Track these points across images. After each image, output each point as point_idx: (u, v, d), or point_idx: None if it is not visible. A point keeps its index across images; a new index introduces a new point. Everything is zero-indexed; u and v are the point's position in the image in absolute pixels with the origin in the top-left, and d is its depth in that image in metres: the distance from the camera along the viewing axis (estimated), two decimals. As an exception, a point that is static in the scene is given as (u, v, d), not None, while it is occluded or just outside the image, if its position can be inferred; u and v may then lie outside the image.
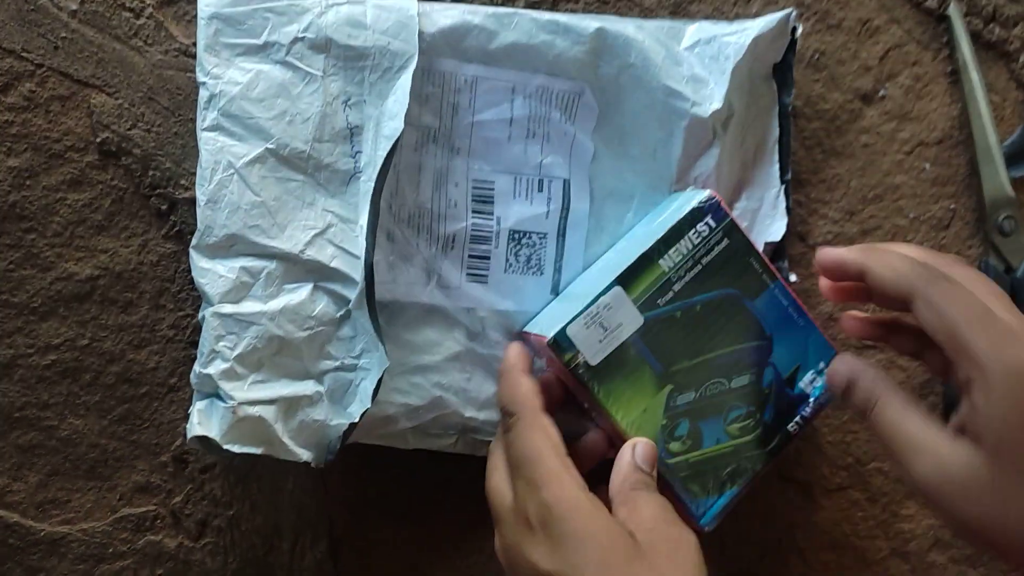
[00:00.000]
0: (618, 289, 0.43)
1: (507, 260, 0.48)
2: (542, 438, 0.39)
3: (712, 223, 0.44)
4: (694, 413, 0.44)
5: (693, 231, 0.44)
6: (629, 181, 0.50)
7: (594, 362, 0.42)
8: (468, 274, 0.48)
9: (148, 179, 0.47)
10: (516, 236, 0.48)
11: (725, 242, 0.44)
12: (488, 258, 0.48)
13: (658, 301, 0.43)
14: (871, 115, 0.55)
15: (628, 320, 0.43)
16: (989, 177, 0.56)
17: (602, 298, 0.42)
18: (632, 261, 0.43)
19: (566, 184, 0.49)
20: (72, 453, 0.47)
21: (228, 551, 0.48)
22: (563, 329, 0.41)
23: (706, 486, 0.44)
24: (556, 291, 0.49)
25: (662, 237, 0.44)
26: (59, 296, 0.46)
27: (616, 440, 0.44)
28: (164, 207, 0.47)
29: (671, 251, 0.44)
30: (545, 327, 0.43)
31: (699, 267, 0.44)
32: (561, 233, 0.49)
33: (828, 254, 0.42)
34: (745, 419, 0.45)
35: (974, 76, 0.55)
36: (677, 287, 0.44)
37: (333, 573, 0.50)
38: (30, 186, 0.46)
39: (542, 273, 0.49)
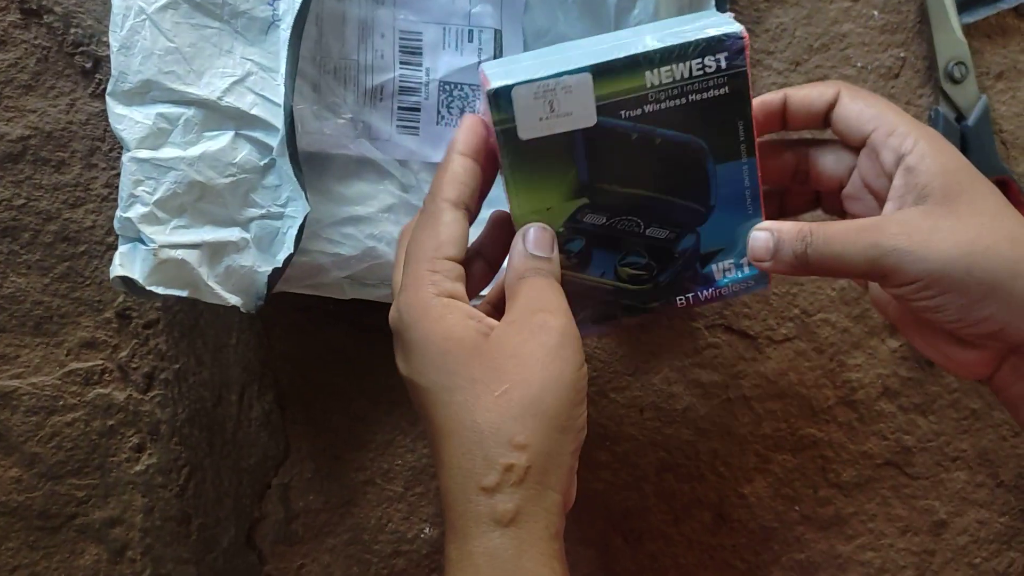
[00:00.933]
0: (587, 76, 0.37)
1: (439, 112, 0.48)
2: (429, 236, 0.36)
3: (723, 63, 0.38)
4: (594, 238, 0.40)
5: (699, 61, 0.37)
6: (564, 30, 0.49)
7: (523, 136, 0.37)
8: (398, 126, 0.48)
9: (71, 37, 0.47)
10: (447, 87, 0.48)
11: (724, 90, 0.38)
12: (418, 110, 0.48)
13: (621, 112, 0.38)
14: (817, -40, 0.54)
15: (581, 114, 0.37)
16: (940, 24, 0.54)
17: (566, 77, 0.37)
18: (617, 58, 0.37)
19: (497, 34, 0.49)
20: (17, 310, 0.48)
21: (177, 402, 0.50)
22: (509, 86, 0.36)
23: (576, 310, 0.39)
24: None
25: (662, 49, 0.37)
26: (-8, 157, 0.47)
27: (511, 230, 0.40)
28: (88, 65, 0.47)
29: (663, 69, 0.37)
30: (497, 73, 0.37)
31: (682, 101, 0.38)
32: (496, 86, 0.49)
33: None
34: (640, 269, 0.41)
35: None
36: (648, 109, 0.38)
37: (280, 423, 0.52)
38: (-45, 47, 0.46)
39: (478, 127, 0.49)
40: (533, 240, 0.38)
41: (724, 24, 0.38)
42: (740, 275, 0.41)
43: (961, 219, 0.36)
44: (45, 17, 0.47)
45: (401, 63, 0.47)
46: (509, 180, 0.38)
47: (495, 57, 0.49)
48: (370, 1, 0.47)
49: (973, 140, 0.55)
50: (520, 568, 0.32)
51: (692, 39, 0.37)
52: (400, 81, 0.47)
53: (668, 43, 0.37)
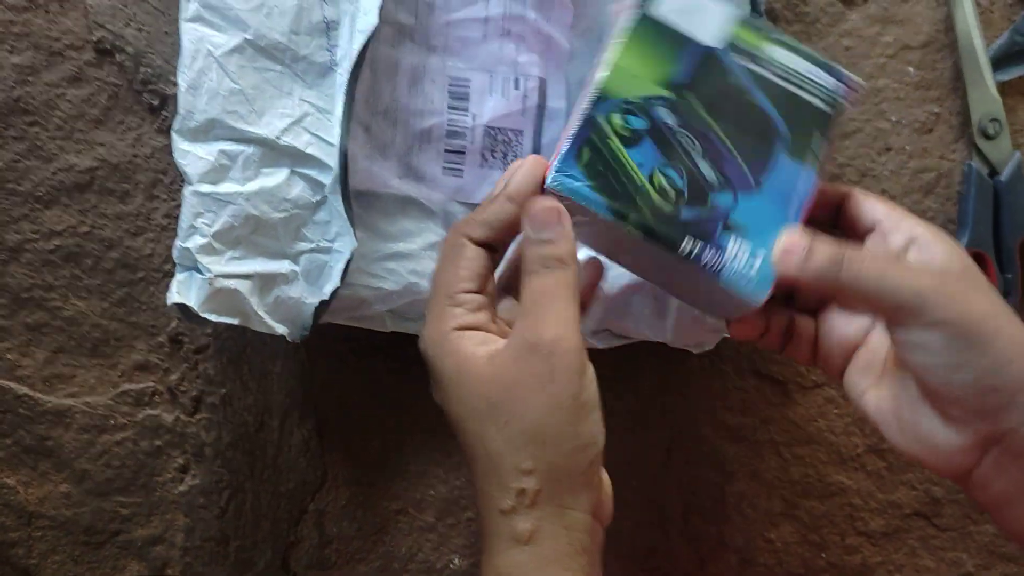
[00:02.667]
0: (734, 11, 0.41)
1: (483, 156, 0.50)
2: (449, 270, 0.37)
3: (836, 88, 0.41)
4: (655, 130, 0.39)
5: (819, 71, 0.41)
6: (607, 82, 0.51)
7: (659, 10, 0.40)
8: (444, 167, 0.50)
9: (140, 75, 0.50)
10: (492, 132, 0.50)
11: (823, 106, 0.41)
12: (463, 153, 0.50)
13: (738, 57, 0.40)
14: (853, 18, 0.55)
15: (711, 32, 0.41)
16: (974, 81, 0.56)
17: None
18: (762, 21, 0.42)
19: (542, 82, 0.51)
20: (76, 332, 0.50)
21: (221, 426, 0.52)
22: None
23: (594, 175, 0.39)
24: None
25: (797, 45, 0.41)
26: (61, 186, 0.50)
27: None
28: (156, 103, 0.50)
29: (789, 54, 0.41)
30: None
31: (789, 87, 0.41)
32: (538, 131, 0.51)
33: None
34: (669, 188, 0.39)
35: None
36: (758, 69, 0.40)
37: (319, 450, 0.53)
38: (32, 82, 0.49)
39: (520, 170, 0.51)
40: (537, 219, 0.36)
41: (849, 77, 0.41)
42: (746, 270, 0.39)
43: (981, 290, 0.37)
44: (117, 56, 0.50)
45: (449, 108, 0.49)
46: (628, 33, 0.40)
47: (539, 105, 0.51)
48: (422, 49, 0.49)
49: (1006, 196, 0.56)
50: None
51: (825, 59, 0.41)
52: (448, 125, 0.49)
53: (803, 47, 0.41)
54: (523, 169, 0.38)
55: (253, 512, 0.53)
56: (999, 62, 0.56)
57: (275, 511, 0.53)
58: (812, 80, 0.41)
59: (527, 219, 0.36)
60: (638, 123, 0.39)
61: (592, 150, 0.38)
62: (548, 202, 0.36)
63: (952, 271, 0.37)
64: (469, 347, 0.35)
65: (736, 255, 0.39)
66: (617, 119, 0.39)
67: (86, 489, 0.51)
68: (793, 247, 0.38)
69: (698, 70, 0.40)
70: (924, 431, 0.37)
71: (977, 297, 0.36)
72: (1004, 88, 0.56)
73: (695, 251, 0.38)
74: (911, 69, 0.56)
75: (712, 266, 0.38)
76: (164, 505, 0.52)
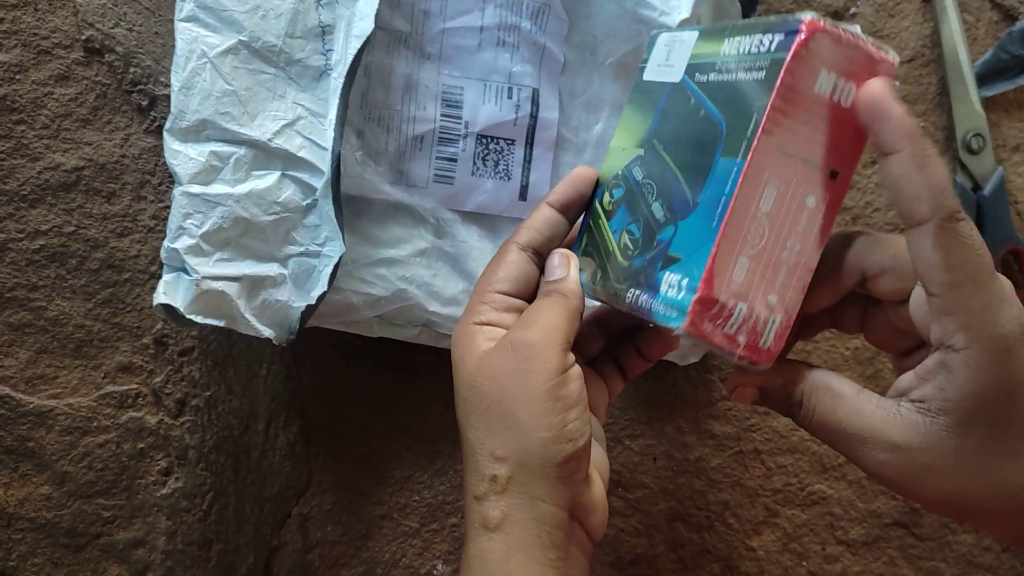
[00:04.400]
0: (694, 34, 0.37)
1: (474, 163, 0.50)
2: (490, 271, 0.39)
3: (771, 45, 0.32)
4: (629, 192, 0.39)
5: (760, 37, 0.33)
6: (599, 91, 0.52)
7: (645, 76, 0.40)
8: (435, 175, 0.50)
9: (130, 76, 0.49)
10: (484, 140, 0.50)
11: (760, 75, 0.32)
12: (455, 160, 0.50)
13: (696, 75, 0.36)
14: (842, 32, 0.56)
15: (677, 68, 0.38)
16: (959, 96, 0.57)
17: (686, 32, 0.38)
18: (719, 23, 0.39)
19: (535, 92, 0.51)
20: (59, 333, 0.50)
21: (206, 429, 0.52)
22: (658, 32, 0.40)
23: (588, 257, 0.40)
24: (524, 197, 0.51)
25: (745, 21, 0.36)
26: (47, 185, 0.49)
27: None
28: (145, 103, 0.50)
29: (736, 39, 0.34)
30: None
31: (731, 77, 0.34)
32: (529, 141, 0.51)
33: None
34: (630, 243, 0.38)
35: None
36: (712, 77, 0.35)
37: (304, 454, 0.53)
38: (20, 80, 0.48)
39: (510, 178, 0.51)
40: (551, 264, 0.40)
41: (799, 17, 0.32)
42: (673, 300, 0.34)
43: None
44: (107, 56, 0.49)
45: (442, 115, 0.49)
46: (623, 113, 0.41)
47: (532, 114, 0.51)
48: (417, 56, 0.49)
49: (989, 210, 0.57)
50: (508, 572, 0.34)
51: (772, 19, 0.33)
52: (440, 132, 0.49)
53: (759, 21, 0.34)
54: (567, 179, 0.41)
55: (236, 516, 0.52)
56: (984, 78, 0.57)
57: (259, 515, 0.52)
58: (752, 54, 0.33)
59: (546, 265, 0.40)
60: (618, 193, 0.39)
61: (589, 235, 0.41)
62: (561, 251, 0.40)
63: (972, 416, 0.31)
64: (478, 341, 0.37)
65: (667, 289, 0.34)
66: (606, 197, 0.40)
67: (67, 491, 0.50)
68: (740, 397, 0.38)
69: (664, 111, 0.38)
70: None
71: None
72: (988, 104, 0.57)
73: (635, 300, 0.36)
74: (897, 83, 0.56)
75: (647, 308, 0.35)
76: (146, 508, 0.51)
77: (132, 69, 0.49)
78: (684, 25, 0.49)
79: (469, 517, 0.36)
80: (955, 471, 0.31)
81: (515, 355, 0.36)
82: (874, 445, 0.32)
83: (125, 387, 0.51)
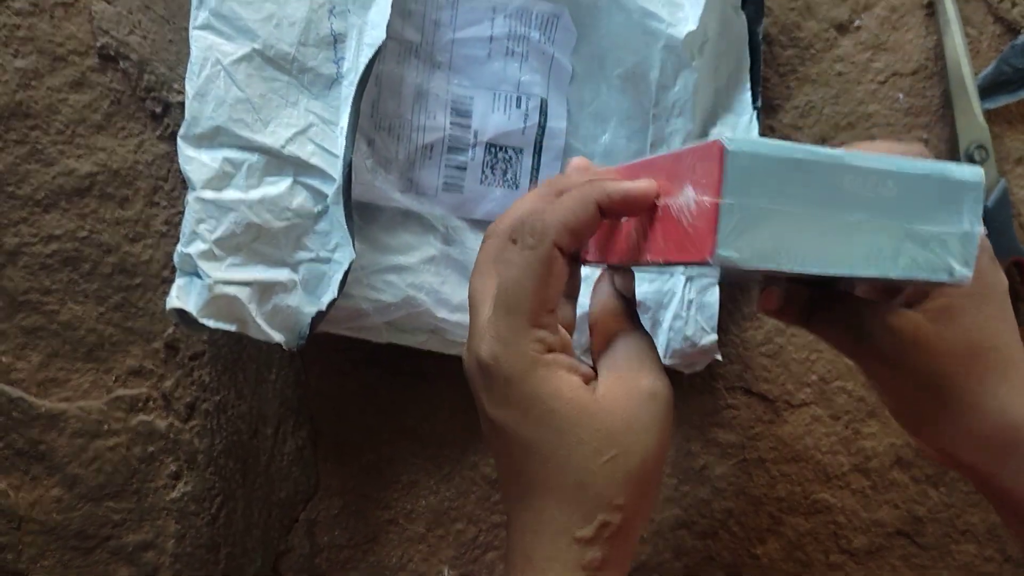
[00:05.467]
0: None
1: (483, 172, 0.51)
2: (537, 285, 0.34)
3: None
4: None
5: None
6: (607, 102, 0.52)
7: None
8: (444, 183, 0.50)
9: (144, 83, 0.50)
10: (492, 149, 0.51)
11: None
12: (464, 168, 0.51)
13: None
14: (846, 44, 0.56)
15: None
16: (962, 108, 0.57)
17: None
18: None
19: (543, 102, 0.51)
20: (71, 336, 0.50)
21: (215, 433, 0.52)
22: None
23: None
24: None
25: None
26: (60, 190, 0.49)
27: None
28: (158, 110, 0.50)
29: None
30: None
31: None
32: (537, 150, 0.52)
33: None
34: None
35: (950, 9, 0.56)
36: None
37: (312, 459, 0.53)
38: (35, 86, 0.49)
39: (517, 187, 0.52)
40: (623, 282, 0.38)
41: None
42: None
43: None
44: (121, 63, 0.50)
45: (452, 124, 0.50)
46: None
47: (540, 124, 0.51)
48: (427, 65, 0.49)
49: (992, 222, 0.57)
50: None
51: None
52: (449, 141, 0.50)
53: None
54: (628, 192, 0.34)
55: (244, 520, 0.52)
56: (987, 90, 0.57)
57: (266, 519, 0.53)
58: None
59: (614, 278, 0.39)
60: None
61: None
62: (631, 272, 0.39)
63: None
64: (566, 376, 0.35)
65: None
66: None
67: (78, 494, 0.51)
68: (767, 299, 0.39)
69: None
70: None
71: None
72: (991, 116, 0.57)
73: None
74: (901, 95, 0.57)
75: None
76: (155, 511, 0.51)
77: (146, 76, 0.50)
78: (691, 37, 0.49)
79: (553, 554, 0.34)
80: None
81: (652, 406, 0.35)
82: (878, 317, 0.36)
83: (136, 391, 0.51)
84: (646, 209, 0.34)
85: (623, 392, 0.35)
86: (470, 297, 0.37)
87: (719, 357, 0.54)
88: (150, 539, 0.51)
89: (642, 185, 0.34)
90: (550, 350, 0.35)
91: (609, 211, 0.34)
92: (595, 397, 0.35)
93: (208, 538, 0.52)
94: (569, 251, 0.35)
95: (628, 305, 0.39)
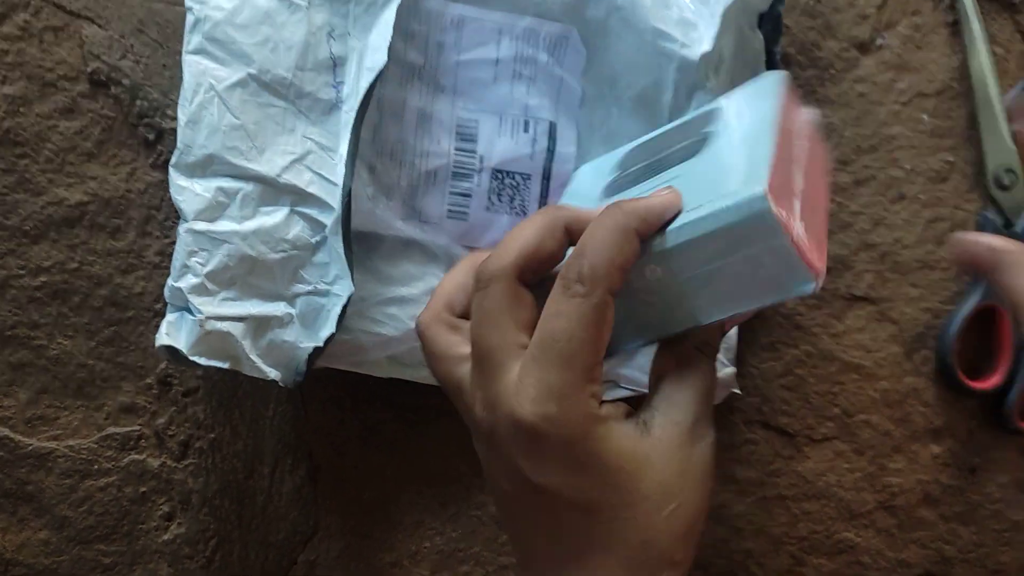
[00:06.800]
0: None
1: (489, 199, 0.49)
2: (592, 336, 0.31)
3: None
4: None
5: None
6: (618, 125, 0.50)
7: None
8: (449, 210, 0.48)
9: (136, 109, 0.48)
10: (499, 175, 0.49)
11: None
12: (470, 195, 0.49)
13: None
14: (868, 64, 0.54)
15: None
16: (989, 130, 0.55)
17: None
18: None
19: (552, 126, 0.49)
20: (61, 372, 0.48)
21: (210, 472, 0.50)
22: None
23: None
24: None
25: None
26: (50, 220, 0.48)
27: None
28: (151, 137, 0.48)
29: None
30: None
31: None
32: (546, 175, 0.50)
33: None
34: None
35: (975, 27, 0.54)
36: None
37: (311, 498, 0.51)
38: (24, 113, 0.47)
39: (525, 214, 0.50)
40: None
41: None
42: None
43: None
44: (113, 89, 0.48)
45: (456, 149, 0.48)
46: None
47: (548, 148, 0.49)
48: (431, 89, 0.48)
49: None
50: None
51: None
52: (454, 167, 0.48)
53: None
54: (661, 200, 0.33)
55: (241, 563, 0.50)
56: (1013, 112, 0.55)
57: (264, 562, 0.51)
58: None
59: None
60: None
61: None
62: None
63: None
64: (623, 428, 0.33)
65: None
66: None
67: (67, 536, 0.49)
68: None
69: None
70: None
71: None
72: (1017, 138, 0.55)
73: None
74: (925, 117, 0.55)
75: None
76: (147, 554, 0.49)
77: (139, 102, 0.48)
78: (705, 58, 0.47)
79: None
80: None
81: (707, 455, 0.34)
82: None
83: (127, 428, 0.49)
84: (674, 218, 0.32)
85: (677, 437, 0.33)
86: (484, 354, 0.33)
87: (737, 390, 0.52)
88: (141, 584, 0.50)
89: (665, 197, 0.33)
90: (604, 402, 0.33)
91: (646, 234, 0.32)
92: (652, 443, 0.33)
93: (202, 582, 0.50)
94: (617, 291, 0.32)
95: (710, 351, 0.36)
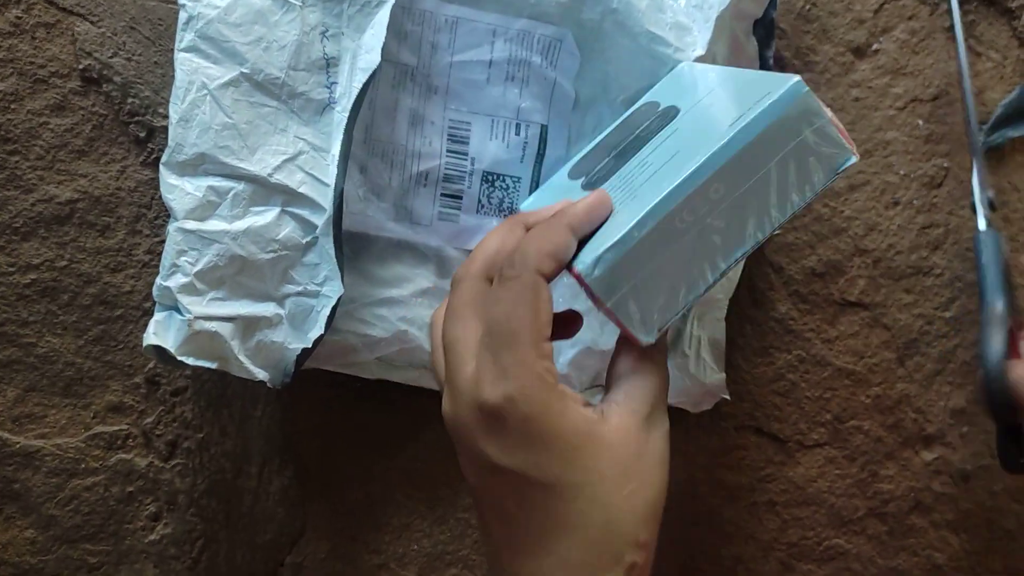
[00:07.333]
0: None
1: (479, 201, 0.49)
2: (529, 314, 0.33)
3: None
4: None
5: None
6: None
7: None
8: (440, 212, 0.48)
9: (128, 106, 0.48)
10: (489, 178, 0.49)
11: None
12: (460, 197, 0.48)
13: None
14: (863, 69, 0.54)
15: None
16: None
17: None
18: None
19: (543, 129, 0.49)
20: (49, 370, 0.48)
21: (197, 472, 0.50)
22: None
23: None
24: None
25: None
26: (40, 217, 0.48)
27: None
28: (142, 134, 0.48)
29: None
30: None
31: None
32: (536, 178, 0.50)
33: None
34: None
35: (958, 34, 0.54)
36: None
37: (299, 499, 0.51)
38: (15, 110, 0.47)
39: (517, 216, 0.49)
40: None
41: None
42: None
43: None
44: (104, 86, 0.48)
45: (448, 151, 0.48)
46: None
47: (539, 152, 0.49)
48: (423, 90, 0.47)
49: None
50: None
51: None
52: (445, 169, 0.48)
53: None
54: (592, 208, 0.36)
55: (227, 564, 0.50)
56: (1009, 118, 0.55)
57: (250, 563, 0.50)
58: None
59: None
60: None
61: None
62: None
63: None
64: (577, 407, 0.34)
65: None
66: None
67: (53, 536, 0.48)
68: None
69: None
70: None
71: None
72: (1015, 144, 0.55)
73: None
74: (920, 122, 0.55)
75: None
76: (133, 555, 0.49)
77: (130, 100, 0.48)
78: (699, 61, 0.47)
79: None
80: None
81: (662, 440, 0.35)
82: None
83: (115, 428, 0.49)
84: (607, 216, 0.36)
85: (634, 424, 0.34)
86: (447, 346, 0.35)
87: (727, 395, 0.51)
88: (128, 584, 0.49)
89: (596, 197, 0.36)
90: (559, 382, 0.34)
91: (580, 231, 0.35)
92: (609, 427, 0.34)
93: (189, 583, 0.50)
94: (550, 278, 0.34)
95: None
